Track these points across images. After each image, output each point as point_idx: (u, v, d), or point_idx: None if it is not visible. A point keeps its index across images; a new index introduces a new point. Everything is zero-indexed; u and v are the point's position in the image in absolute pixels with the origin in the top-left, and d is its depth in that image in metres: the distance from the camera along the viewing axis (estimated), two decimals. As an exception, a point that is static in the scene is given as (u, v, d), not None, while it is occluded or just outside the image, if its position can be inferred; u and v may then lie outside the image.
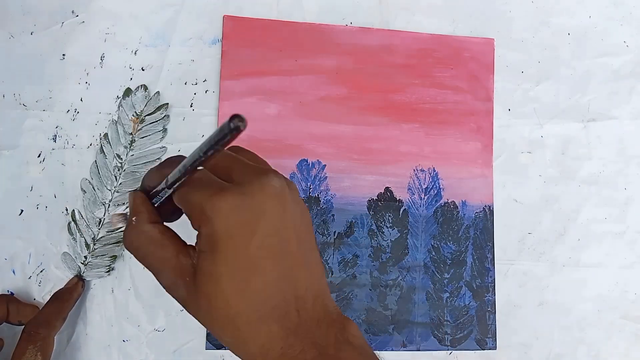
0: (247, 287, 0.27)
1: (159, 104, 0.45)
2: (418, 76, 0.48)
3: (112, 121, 0.44)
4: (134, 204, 0.30)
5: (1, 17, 0.44)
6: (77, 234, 0.43)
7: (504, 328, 0.47)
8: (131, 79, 0.45)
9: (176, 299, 0.29)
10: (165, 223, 0.31)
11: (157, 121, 0.44)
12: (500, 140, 0.49)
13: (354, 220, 0.46)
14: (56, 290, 0.42)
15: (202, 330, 0.43)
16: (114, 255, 0.43)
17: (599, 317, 0.48)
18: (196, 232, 0.28)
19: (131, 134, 0.44)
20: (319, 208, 0.46)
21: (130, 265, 0.43)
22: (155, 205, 0.30)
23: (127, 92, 0.44)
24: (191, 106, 0.45)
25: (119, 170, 0.44)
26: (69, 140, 0.44)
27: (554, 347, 0.47)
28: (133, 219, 0.30)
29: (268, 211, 0.27)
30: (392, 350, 0.45)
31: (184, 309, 0.29)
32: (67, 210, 0.43)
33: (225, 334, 0.28)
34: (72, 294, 0.42)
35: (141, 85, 0.44)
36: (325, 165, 0.46)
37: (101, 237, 0.43)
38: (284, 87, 0.46)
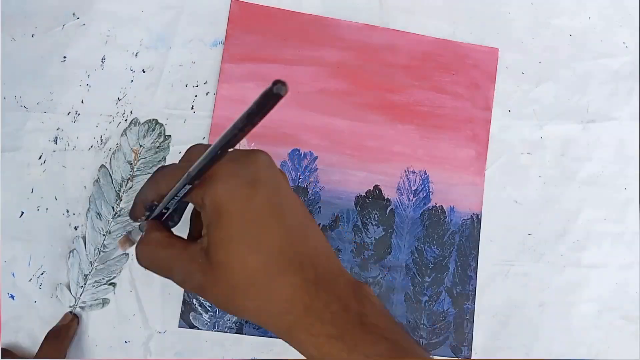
0: (259, 244, 0.28)
1: (162, 136, 0.45)
2: (419, 78, 0.48)
3: (114, 150, 0.44)
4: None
5: (2, 20, 0.44)
6: (77, 264, 0.43)
7: (504, 329, 0.47)
8: (132, 81, 0.45)
9: (194, 290, 0.30)
10: None
11: (157, 153, 0.45)
12: (500, 142, 0.49)
13: (339, 214, 0.46)
14: (49, 293, 0.42)
15: (202, 332, 0.43)
16: (112, 283, 0.43)
17: (599, 317, 0.48)
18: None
19: (131, 163, 0.44)
20: (306, 198, 0.46)
21: (131, 268, 0.43)
22: (162, 215, 0.31)
23: (135, 122, 0.44)
24: (192, 108, 0.45)
25: (118, 199, 0.44)
26: (70, 142, 0.44)
27: (554, 348, 0.47)
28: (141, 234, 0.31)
29: (263, 178, 0.29)
30: None
31: (205, 298, 0.30)
32: (67, 212, 0.43)
33: (248, 299, 0.28)
34: (68, 332, 0.41)
35: (154, 120, 0.45)
36: (317, 157, 0.46)
37: (100, 268, 0.43)
38: (284, 75, 0.46)
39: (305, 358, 0.29)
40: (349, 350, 0.28)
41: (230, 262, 0.28)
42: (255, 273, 0.28)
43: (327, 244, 0.31)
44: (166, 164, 0.44)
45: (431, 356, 0.31)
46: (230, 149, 0.25)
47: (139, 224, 0.33)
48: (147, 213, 0.31)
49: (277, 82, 0.21)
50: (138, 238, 0.32)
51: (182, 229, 0.33)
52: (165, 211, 0.31)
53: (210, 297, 0.29)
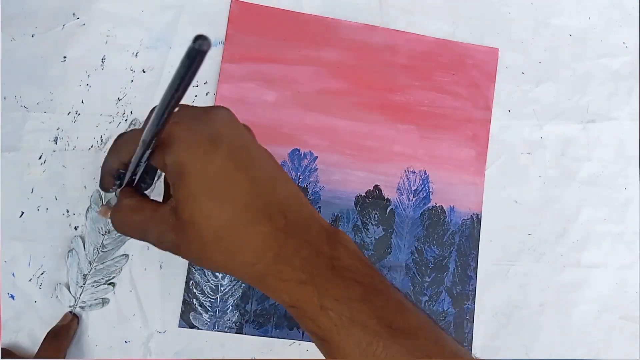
0: (223, 198, 0.28)
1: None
2: (419, 78, 0.48)
3: None
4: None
5: (2, 20, 0.44)
6: (76, 264, 0.43)
7: (504, 329, 0.47)
8: (132, 81, 0.45)
9: (169, 249, 0.30)
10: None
11: None
12: (500, 142, 0.49)
13: (339, 214, 0.46)
14: (47, 293, 0.42)
15: (202, 332, 0.43)
16: (111, 283, 0.43)
17: (599, 317, 0.48)
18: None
19: None
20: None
21: (131, 268, 0.43)
22: (133, 180, 0.32)
23: (134, 123, 0.44)
24: (192, 108, 0.45)
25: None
26: (70, 142, 0.44)
27: (554, 348, 0.47)
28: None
29: (223, 134, 0.29)
30: None
31: (181, 256, 0.30)
32: (67, 212, 0.43)
33: (218, 253, 0.28)
34: (68, 331, 0.41)
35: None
36: (317, 157, 0.46)
37: (99, 268, 0.43)
38: (284, 75, 0.46)
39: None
40: (320, 295, 0.28)
41: (196, 219, 0.28)
42: (222, 227, 0.28)
43: (300, 193, 0.31)
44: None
45: (405, 296, 0.31)
46: (176, 109, 0.25)
47: (113, 193, 0.33)
48: (117, 182, 0.32)
49: (197, 38, 0.20)
50: None
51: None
52: (135, 177, 0.31)
53: (185, 254, 0.30)
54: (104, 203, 0.41)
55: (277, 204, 0.29)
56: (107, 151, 0.32)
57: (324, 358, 0.45)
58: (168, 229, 0.29)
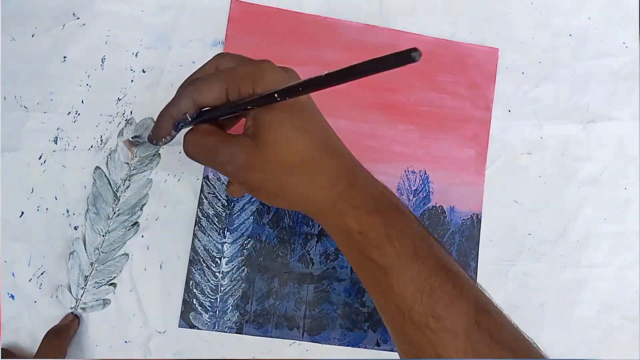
0: (305, 129, 0.31)
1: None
2: (419, 78, 0.48)
3: (111, 151, 0.44)
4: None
5: (2, 20, 0.44)
6: (77, 266, 0.43)
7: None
8: (132, 81, 0.45)
9: (236, 170, 0.31)
10: None
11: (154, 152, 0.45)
12: (500, 142, 0.49)
13: None
14: (50, 294, 0.42)
15: (202, 332, 0.43)
16: (112, 283, 0.43)
17: (599, 317, 0.48)
18: None
19: (128, 163, 0.44)
20: None
21: (131, 268, 0.43)
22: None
23: (130, 121, 0.44)
24: (192, 108, 0.45)
25: (116, 199, 0.44)
26: (70, 142, 0.44)
27: (554, 348, 0.47)
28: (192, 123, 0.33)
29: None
30: (366, 347, 0.45)
31: (245, 179, 0.31)
32: (67, 212, 0.43)
33: (295, 174, 0.31)
34: (68, 331, 0.41)
35: (148, 119, 0.45)
36: None
37: (100, 269, 0.43)
38: None
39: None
40: (386, 224, 0.31)
41: (278, 141, 0.30)
42: (302, 152, 0.31)
43: None
44: (161, 160, 0.44)
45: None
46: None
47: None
48: (173, 133, 0.33)
49: (415, 50, 0.22)
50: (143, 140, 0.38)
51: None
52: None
53: (254, 174, 0.31)
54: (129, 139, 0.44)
55: (344, 147, 0.33)
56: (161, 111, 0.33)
57: (323, 358, 0.45)
58: (241, 149, 0.31)
